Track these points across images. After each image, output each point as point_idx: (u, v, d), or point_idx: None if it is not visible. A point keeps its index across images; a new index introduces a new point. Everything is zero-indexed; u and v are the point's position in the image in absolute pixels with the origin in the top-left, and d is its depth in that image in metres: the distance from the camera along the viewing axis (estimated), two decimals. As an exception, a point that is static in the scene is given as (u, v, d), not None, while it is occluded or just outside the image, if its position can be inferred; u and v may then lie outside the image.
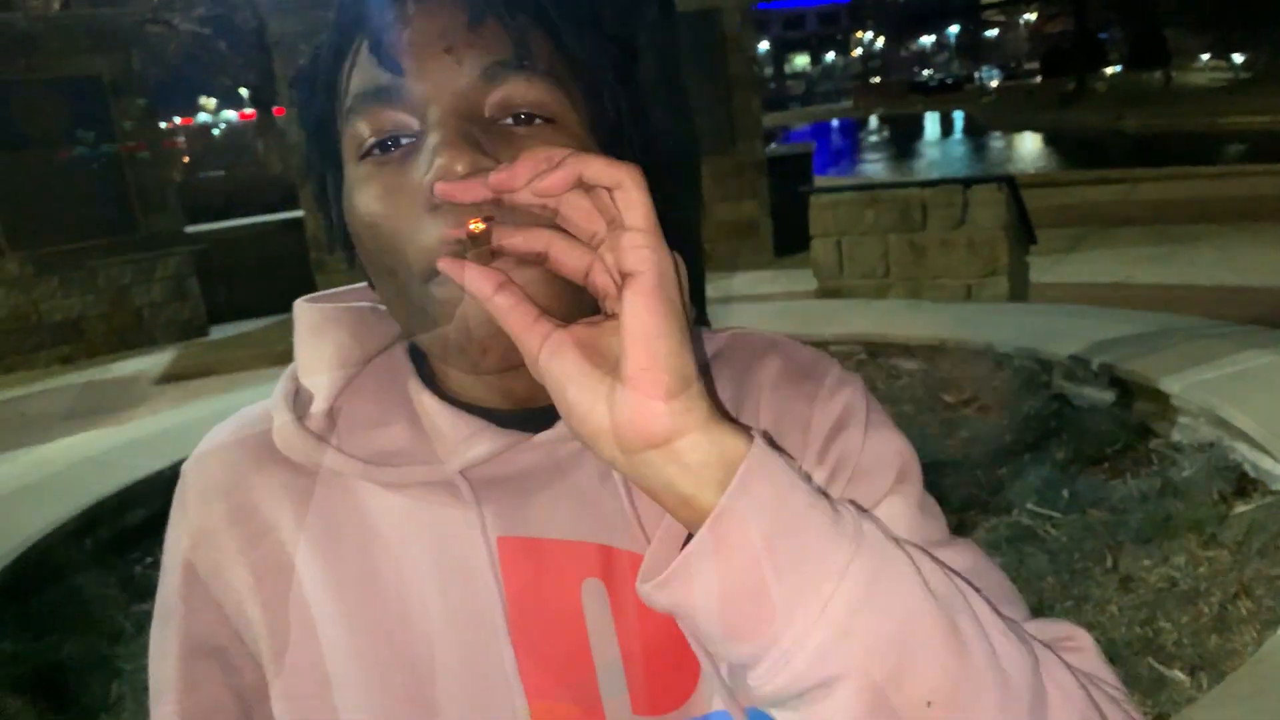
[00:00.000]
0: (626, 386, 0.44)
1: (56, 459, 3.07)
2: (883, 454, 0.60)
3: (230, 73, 20.49)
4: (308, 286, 8.02)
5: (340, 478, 0.58)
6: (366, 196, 0.53)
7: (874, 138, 42.68)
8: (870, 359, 3.24)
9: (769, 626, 0.44)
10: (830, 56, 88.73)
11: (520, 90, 0.52)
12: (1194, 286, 5.69)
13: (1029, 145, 29.75)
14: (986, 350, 3.00)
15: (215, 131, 32.41)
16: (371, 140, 0.53)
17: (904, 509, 0.58)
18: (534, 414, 0.58)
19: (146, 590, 2.46)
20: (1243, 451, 2.24)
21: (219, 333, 8.09)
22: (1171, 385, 2.49)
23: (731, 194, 8.32)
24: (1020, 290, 4.17)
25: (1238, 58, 38.37)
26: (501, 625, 0.54)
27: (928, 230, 4.03)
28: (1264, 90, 27.77)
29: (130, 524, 2.71)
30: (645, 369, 0.44)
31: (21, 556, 2.34)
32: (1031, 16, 58.37)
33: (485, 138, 0.50)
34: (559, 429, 0.57)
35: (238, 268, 8.57)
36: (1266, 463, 2.11)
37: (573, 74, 0.55)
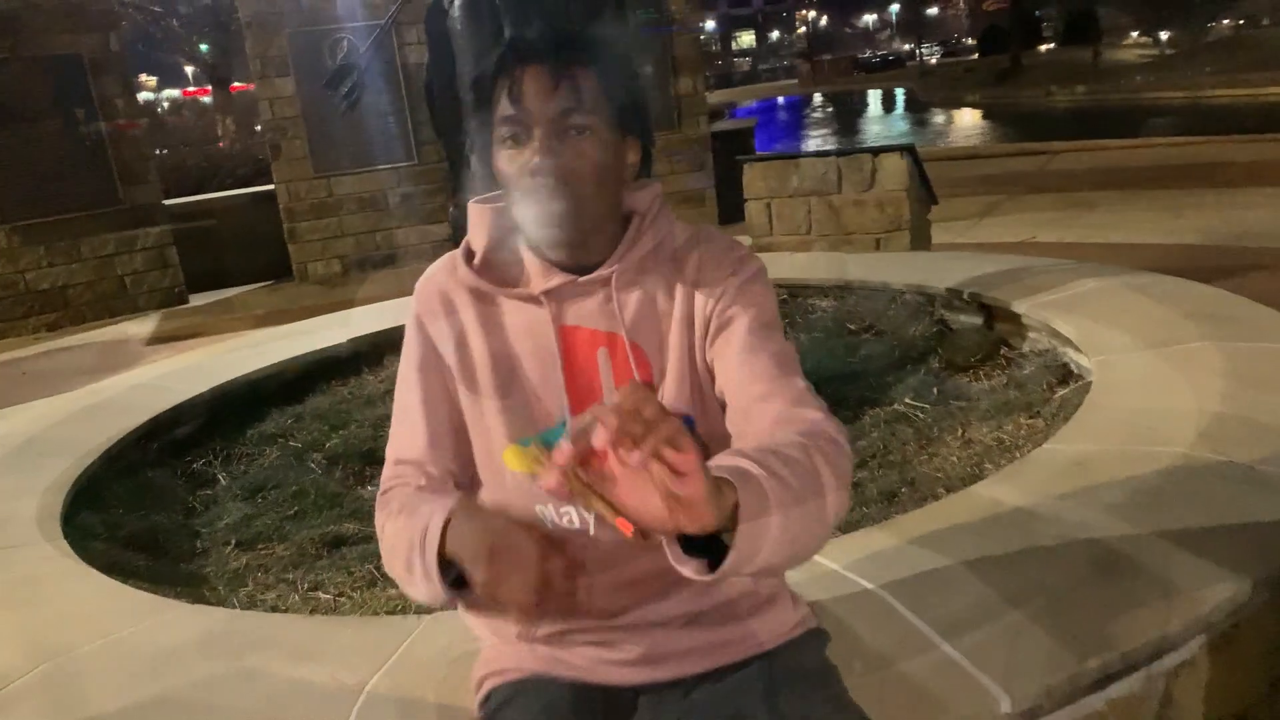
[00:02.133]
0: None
1: (108, 388, 3.62)
2: (745, 295, 1.17)
3: (186, 51, 20.57)
4: (282, 255, 8.51)
5: (486, 293, 1.18)
6: (504, 160, 1.11)
7: (818, 114, 43.47)
8: (792, 298, 3.89)
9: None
10: (775, 34, 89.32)
11: (575, 121, 1.08)
12: (1087, 244, 6.45)
13: (965, 119, 30.73)
14: (883, 288, 3.67)
15: (160, 110, 32.13)
16: (507, 134, 1.10)
17: (748, 323, 1.12)
18: (580, 268, 1.17)
19: (205, 480, 3.04)
20: (1069, 354, 2.93)
21: (197, 300, 8.53)
22: (1020, 307, 3.17)
23: (679, 167, 8.93)
24: (921, 243, 4.88)
25: (1164, 35, 39.75)
26: (559, 367, 1.14)
27: (842, 193, 4.72)
28: (1186, 66, 28.98)
29: (181, 435, 3.28)
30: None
31: (105, 453, 2.90)
32: (972, -7, 59.51)
33: (556, 142, 1.08)
34: (591, 276, 1.15)
35: (214, 239, 8.99)
36: (1082, 360, 2.79)
37: (605, 105, 1.10)
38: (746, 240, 5.98)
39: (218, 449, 3.16)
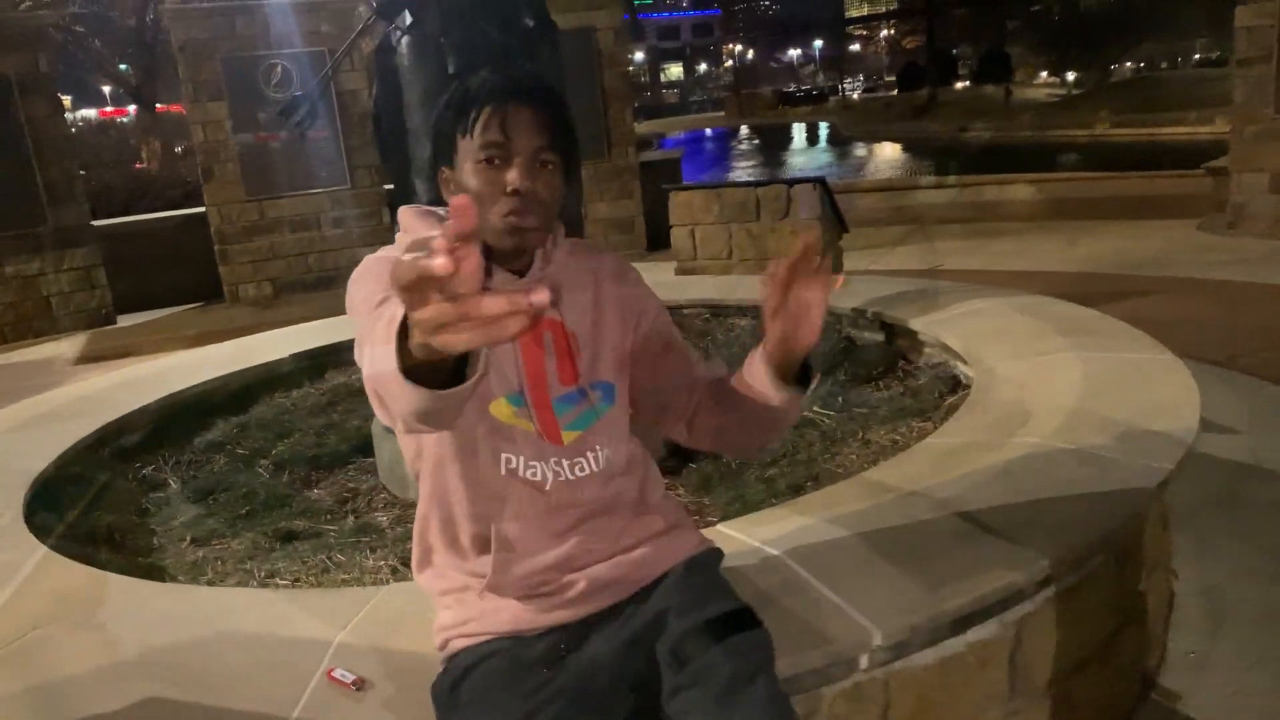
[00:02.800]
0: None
1: (55, 398, 3.71)
2: (655, 307, 1.46)
3: (108, 71, 20.25)
4: (212, 277, 8.54)
5: None
6: (479, 179, 1.34)
7: (745, 145, 44.43)
8: (714, 317, 4.17)
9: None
10: (703, 67, 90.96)
11: (546, 154, 1.32)
12: (990, 270, 6.90)
13: (885, 153, 31.84)
14: (797, 306, 3.99)
15: (73, 130, 31.36)
16: (484, 155, 1.34)
17: (671, 329, 1.46)
18: (515, 270, 1.41)
19: (156, 485, 3.17)
20: (958, 366, 3.25)
21: (125, 321, 8.50)
22: (917, 324, 3.50)
23: (609, 194, 9.22)
24: (834, 267, 5.23)
25: (1070, 76, 41.78)
26: (516, 347, 1.37)
27: (760, 220, 5.05)
28: (1090, 105, 30.46)
29: (129, 443, 3.40)
30: None
31: (58, 458, 3.02)
32: (890, 32, 61.63)
33: (529, 169, 1.32)
34: (534, 277, 1.39)
35: (143, 260, 8.96)
36: (968, 370, 3.11)
37: (564, 143, 1.35)
38: (673, 263, 6.29)
39: (166, 456, 3.30)
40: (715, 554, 1.52)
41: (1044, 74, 47.08)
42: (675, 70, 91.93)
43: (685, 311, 4.20)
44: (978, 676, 1.69)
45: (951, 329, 3.33)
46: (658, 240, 8.56)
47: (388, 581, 2.19)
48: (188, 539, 2.65)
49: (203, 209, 8.85)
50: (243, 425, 3.56)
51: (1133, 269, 6.67)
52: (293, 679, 1.52)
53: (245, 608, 1.84)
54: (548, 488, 1.37)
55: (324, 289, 8.74)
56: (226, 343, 4.39)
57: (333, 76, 7.12)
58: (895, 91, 51.87)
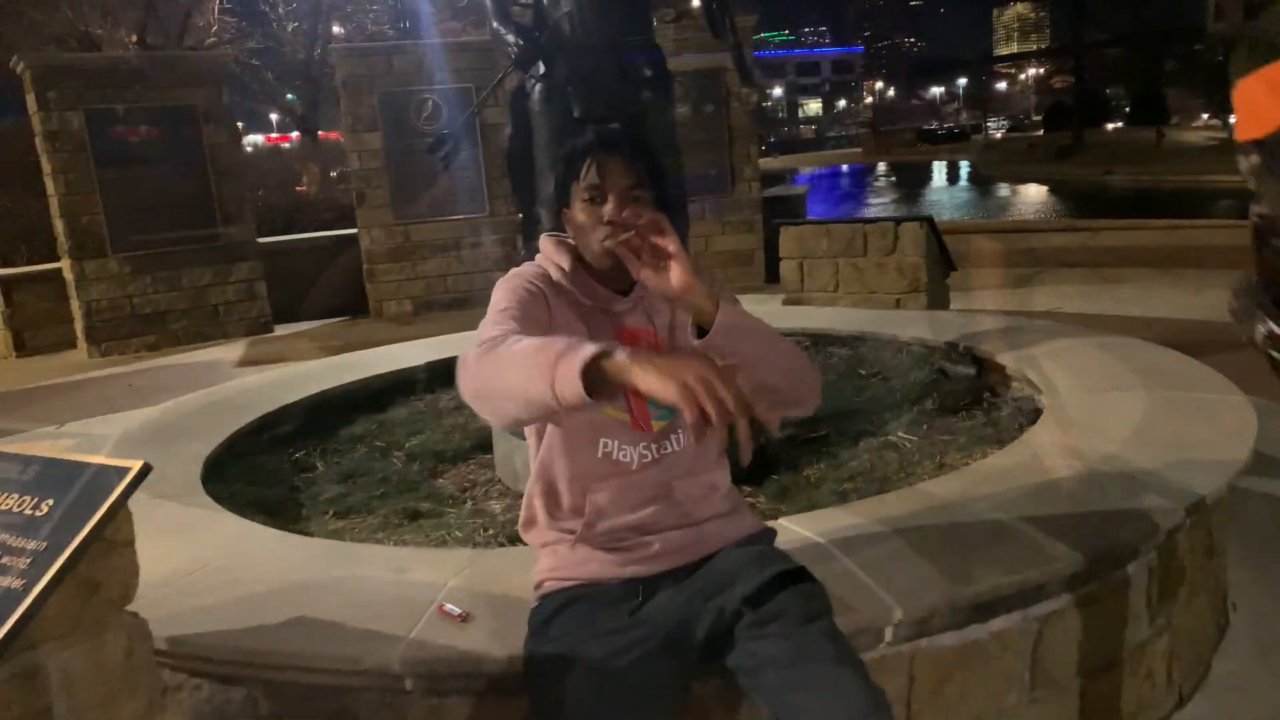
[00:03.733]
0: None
1: (225, 390, 4.27)
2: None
3: (277, 101, 21.96)
4: (359, 294, 9.25)
5: (566, 290, 1.73)
6: (584, 214, 1.68)
7: (881, 183, 44.10)
8: (814, 345, 4.42)
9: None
10: (842, 103, 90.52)
11: (636, 191, 1.65)
12: (1106, 315, 6.87)
13: (1027, 194, 31.07)
14: (892, 340, 4.18)
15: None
16: (586, 195, 1.68)
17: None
18: (625, 289, 1.73)
19: (306, 467, 3.63)
20: (1041, 399, 3.41)
21: (280, 330, 9.31)
22: (1005, 360, 3.66)
23: (731, 228, 9.55)
24: (938, 304, 5.38)
25: (1231, 119, 39.80)
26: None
27: (868, 256, 5.26)
28: (1251, 152, 28.94)
29: (284, 432, 3.89)
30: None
31: (225, 440, 3.52)
32: (1038, 71, 60.13)
33: (621, 204, 1.65)
34: (632, 296, 1.72)
35: (298, 276, 9.80)
36: (1047, 402, 3.27)
37: (651, 180, 1.69)
38: (781, 295, 6.54)
39: (314, 444, 3.76)
40: (770, 533, 1.82)
41: (1204, 116, 45.06)
42: (814, 106, 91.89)
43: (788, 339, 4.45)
44: (998, 663, 1.90)
45: (1035, 365, 3.49)
46: (776, 273, 8.82)
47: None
48: (330, 512, 3.07)
49: (354, 230, 9.62)
50: (380, 422, 4.01)
51: (1260, 319, 6.51)
52: (411, 610, 1.87)
53: (374, 557, 2.22)
54: (634, 467, 1.69)
55: (458, 309, 9.35)
56: (369, 350, 4.89)
57: (477, 115, 7.71)
58: (1040, 132, 50.55)
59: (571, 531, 1.71)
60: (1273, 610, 2.66)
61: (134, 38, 14.57)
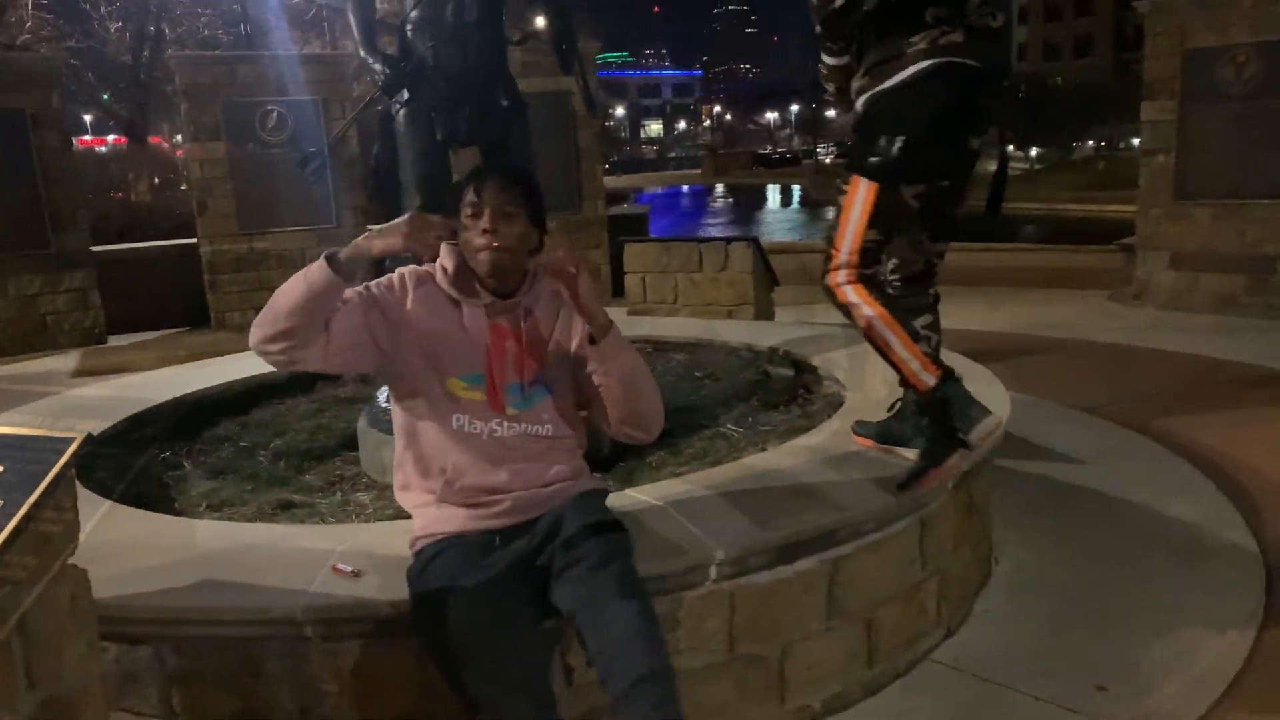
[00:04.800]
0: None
1: (83, 396, 4.30)
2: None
3: (98, 104, 20.91)
4: (200, 304, 9.10)
5: (453, 296, 2.06)
6: (467, 226, 2.03)
7: (719, 203, 45.70)
8: (656, 350, 4.84)
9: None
10: (682, 124, 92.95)
11: (508, 207, 2.03)
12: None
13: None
14: (724, 345, 4.67)
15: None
16: (469, 211, 2.02)
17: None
18: (500, 293, 2.08)
19: (173, 466, 3.75)
20: (846, 394, 3.93)
21: (116, 341, 9.04)
22: (817, 362, 4.19)
23: (580, 244, 9.93)
24: (764, 314, 5.95)
25: (1035, 151, 43.55)
26: (485, 345, 2.04)
27: (703, 271, 5.76)
28: (1050, 181, 31.89)
29: (148, 434, 3.98)
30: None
31: (89, 440, 3.60)
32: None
33: (498, 219, 2.01)
34: (511, 300, 2.07)
35: (135, 285, 9.53)
36: (850, 395, 3.78)
37: (526, 200, 2.06)
38: (626, 306, 6.99)
39: (180, 446, 3.89)
40: (603, 491, 2.20)
41: (1010, 148, 48.78)
42: (655, 127, 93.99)
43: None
44: (802, 597, 2.34)
45: (843, 366, 4.03)
46: (622, 287, 9.27)
47: (370, 532, 2.80)
48: (204, 505, 3.23)
49: (193, 240, 9.46)
50: (244, 424, 4.15)
51: (1040, 330, 7.45)
52: (306, 569, 2.14)
53: (262, 533, 2.46)
54: (484, 438, 2.03)
55: (306, 320, 9.33)
56: (226, 356, 5.00)
57: (344, 135, 7.89)
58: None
59: (433, 491, 2.05)
60: (1027, 562, 3.25)
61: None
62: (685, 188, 56.58)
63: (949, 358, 4.16)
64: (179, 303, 9.57)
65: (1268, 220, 7.75)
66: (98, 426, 3.76)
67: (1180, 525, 3.48)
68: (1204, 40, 7.93)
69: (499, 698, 1.75)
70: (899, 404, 2.81)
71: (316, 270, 1.93)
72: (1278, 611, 2.83)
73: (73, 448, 1.65)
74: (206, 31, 20.33)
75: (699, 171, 63.19)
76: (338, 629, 2.04)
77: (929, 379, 2.47)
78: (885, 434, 2.80)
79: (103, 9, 20.15)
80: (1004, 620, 2.88)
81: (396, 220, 1.99)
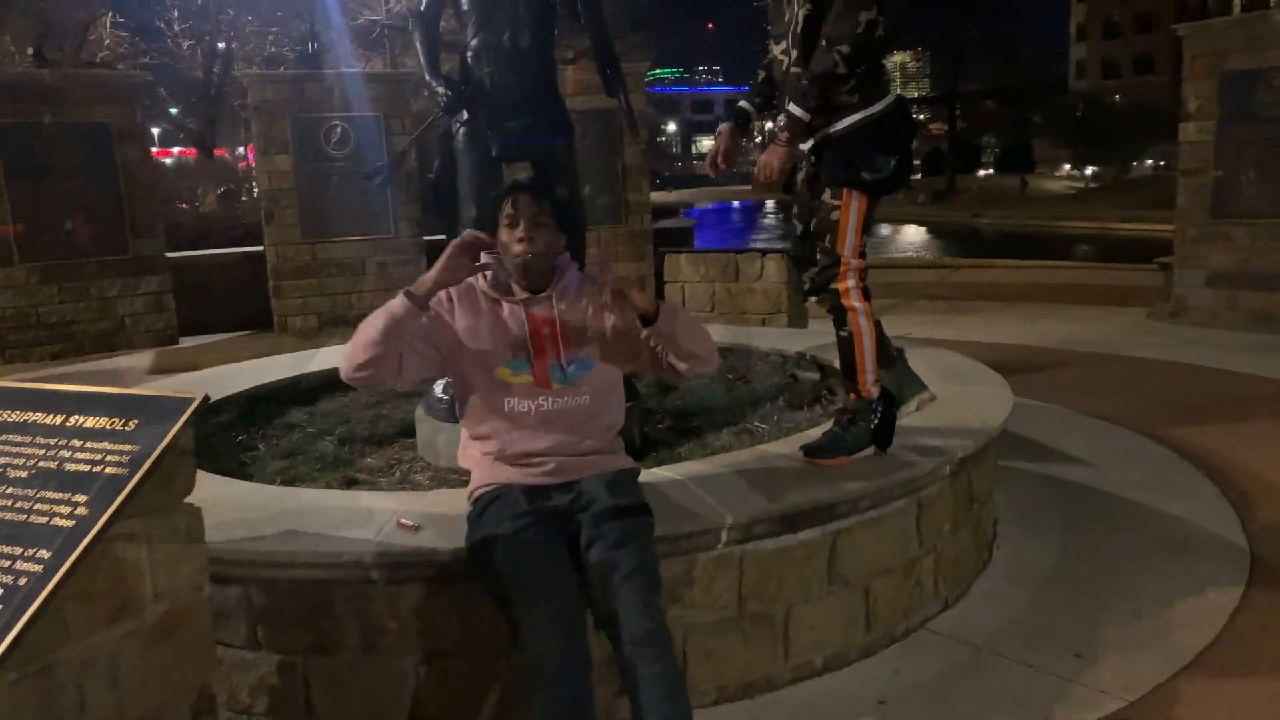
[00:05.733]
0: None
1: (162, 385, 4.73)
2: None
3: (171, 118, 21.85)
4: (265, 309, 9.62)
5: (493, 296, 2.42)
6: (504, 234, 2.38)
7: (769, 219, 45.87)
8: (691, 355, 5.16)
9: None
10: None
11: (540, 218, 2.37)
12: (949, 340, 7.86)
13: (905, 234, 33.04)
14: (755, 350, 4.96)
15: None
16: (506, 221, 2.38)
17: (633, 325, 2.46)
18: (534, 290, 2.42)
19: (249, 448, 4.14)
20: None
21: (186, 343, 9.58)
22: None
23: (624, 256, 10.29)
24: (796, 323, 6.23)
25: (1090, 169, 43.11)
26: (527, 335, 2.38)
27: (739, 281, 6.07)
28: (1104, 200, 31.60)
29: (226, 420, 4.39)
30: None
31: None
32: (917, 117, 63.48)
33: (531, 228, 2.36)
34: (543, 294, 2.41)
35: (205, 290, 10.09)
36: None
37: (552, 215, 2.41)
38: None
39: (254, 431, 4.29)
40: (635, 471, 2.51)
41: (1066, 167, 48.44)
42: (707, 142, 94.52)
43: (668, 350, 5.19)
44: (804, 564, 2.63)
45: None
46: (664, 297, 9.60)
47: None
48: (277, 481, 3.62)
49: (260, 248, 10.00)
50: (311, 413, 4.55)
51: (1074, 345, 7.62)
52: (373, 524, 2.49)
53: (334, 496, 2.82)
54: (531, 414, 2.37)
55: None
56: (295, 353, 5.41)
57: (409, 151, 8.38)
58: (918, 176, 53.41)
59: (491, 453, 2.39)
60: (1027, 551, 3.49)
61: (30, 51, 14.55)
62: (736, 203, 56.84)
63: (953, 359, 4.43)
64: (246, 307, 10.09)
65: (1304, 240, 7.84)
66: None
67: (1177, 523, 3.70)
68: (1241, 63, 8.06)
69: (536, 626, 2.07)
70: (846, 413, 3.02)
71: (398, 303, 2.32)
72: (1254, 598, 3.05)
73: (194, 405, 2.01)
74: (273, 49, 21.14)
75: (749, 187, 63.43)
76: (399, 573, 2.38)
77: (877, 391, 2.94)
78: (835, 444, 2.96)
79: (176, 27, 21.10)
80: (999, 599, 3.13)
81: (443, 255, 2.38)
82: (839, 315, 2.94)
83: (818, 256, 2.95)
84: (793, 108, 2.80)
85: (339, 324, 9.92)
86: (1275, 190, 7.94)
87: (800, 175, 3.02)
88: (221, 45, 20.55)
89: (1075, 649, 2.77)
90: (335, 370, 5.15)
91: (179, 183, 19.39)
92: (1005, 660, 2.73)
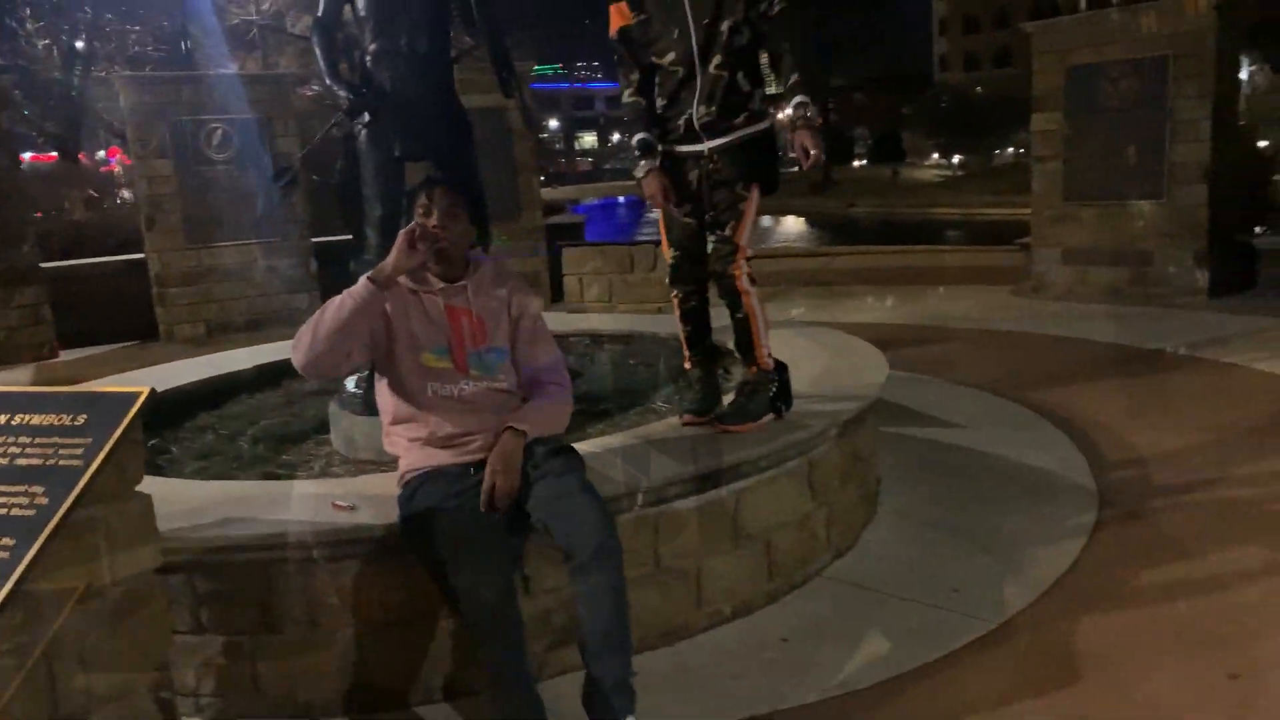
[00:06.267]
0: None
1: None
2: (527, 304, 2.68)
3: (30, 121, 20.76)
4: (149, 318, 9.39)
5: (414, 288, 2.59)
6: (419, 223, 2.56)
7: (655, 213, 46.38)
8: (593, 343, 5.39)
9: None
10: (616, 137, 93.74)
11: (455, 210, 2.57)
12: (831, 321, 8.31)
13: (785, 225, 33.99)
14: (654, 336, 5.23)
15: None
16: (421, 212, 2.56)
17: (539, 334, 2.67)
18: (449, 279, 2.61)
19: (163, 451, 4.17)
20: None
21: (67, 356, 9.28)
22: (732, 345, 4.77)
23: (518, 251, 10.42)
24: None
25: (957, 158, 45.16)
26: (445, 324, 2.57)
27: (634, 272, 6.33)
28: (970, 187, 33.21)
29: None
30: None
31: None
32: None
33: (445, 218, 2.55)
34: (457, 284, 2.60)
35: (85, 300, 9.76)
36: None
37: (463, 205, 2.60)
38: (566, 304, 7.53)
39: (166, 435, 4.32)
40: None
41: (935, 156, 50.55)
42: (589, 139, 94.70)
43: (571, 339, 5.40)
44: (713, 523, 2.90)
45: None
46: (561, 292, 9.79)
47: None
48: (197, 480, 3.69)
49: (141, 255, 9.74)
50: (220, 416, 4.59)
51: (946, 322, 8.17)
52: (309, 507, 2.64)
53: (266, 486, 2.94)
54: (454, 397, 2.56)
55: (254, 330, 9.66)
56: (199, 358, 5.41)
57: (265, 138, 8.38)
58: (796, 169, 54.83)
59: (418, 439, 2.56)
60: (908, 503, 3.86)
61: None
62: (621, 198, 57.26)
63: (834, 337, 4.80)
64: (129, 317, 9.81)
65: (1142, 218, 8.59)
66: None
67: (1037, 472, 4.14)
68: (1084, 58, 8.76)
69: (473, 589, 2.27)
70: (747, 385, 3.35)
71: (362, 289, 2.47)
72: (1101, 532, 3.48)
73: (141, 399, 2.14)
74: (137, 48, 20.34)
75: (632, 183, 63.91)
76: (340, 550, 2.54)
77: (772, 364, 3.30)
78: (742, 412, 3.28)
79: (29, 27, 20.08)
80: (885, 546, 3.48)
81: (396, 246, 2.53)
82: (734, 299, 3.22)
83: (715, 245, 3.22)
84: (806, 99, 3.05)
85: (229, 330, 9.76)
86: (1117, 175, 8.67)
87: (695, 174, 3.25)
88: (80, 45, 19.66)
89: (952, 585, 3.12)
90: (238, 372, 5.22)
91: (39, 191, 18.49)
92: (891, 598, 3.06)
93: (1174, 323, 7.43)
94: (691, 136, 3.18)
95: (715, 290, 3.44)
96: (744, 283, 3.22)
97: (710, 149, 3.18)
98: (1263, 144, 13.13)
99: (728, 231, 3.18)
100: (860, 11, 46.17)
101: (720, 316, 4.01)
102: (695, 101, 3.13)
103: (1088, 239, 8.97)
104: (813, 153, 3.02)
